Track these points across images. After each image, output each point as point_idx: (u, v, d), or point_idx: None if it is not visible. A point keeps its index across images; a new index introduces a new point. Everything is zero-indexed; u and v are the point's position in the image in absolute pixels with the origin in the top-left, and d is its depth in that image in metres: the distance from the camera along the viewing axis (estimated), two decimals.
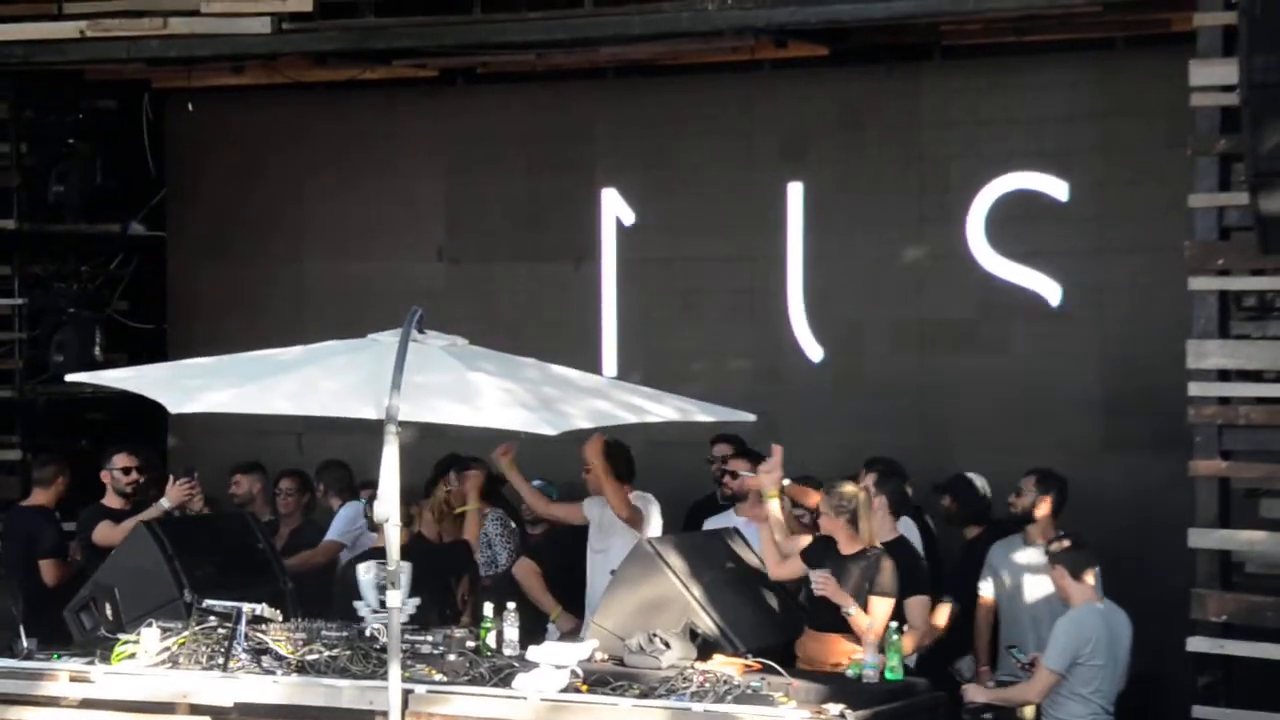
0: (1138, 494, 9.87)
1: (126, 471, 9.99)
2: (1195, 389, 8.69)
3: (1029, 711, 8.34)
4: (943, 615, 8.75)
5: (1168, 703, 9.00)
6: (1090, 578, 8.12)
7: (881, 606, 8.12)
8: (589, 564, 9.40)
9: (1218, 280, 8.70)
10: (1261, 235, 8.07)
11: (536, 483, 10.04)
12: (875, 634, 8.00)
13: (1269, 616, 8.50)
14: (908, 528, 8.92)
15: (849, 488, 8.34)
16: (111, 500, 10.00)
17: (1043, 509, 8.84)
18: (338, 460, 10.65)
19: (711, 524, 9.56)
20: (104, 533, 9.77)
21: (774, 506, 8.57)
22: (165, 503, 9.70)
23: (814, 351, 10.92)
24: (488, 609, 8.51)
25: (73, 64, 11.64)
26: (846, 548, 8.28)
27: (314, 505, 10.63)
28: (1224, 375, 8.70)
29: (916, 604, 8.30)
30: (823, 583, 8.12)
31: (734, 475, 9.46)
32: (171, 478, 9.85)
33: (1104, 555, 8.45)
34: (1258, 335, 8.77)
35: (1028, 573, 8.84)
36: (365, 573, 8.42)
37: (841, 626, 8.16)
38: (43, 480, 10.36)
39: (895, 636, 7.97)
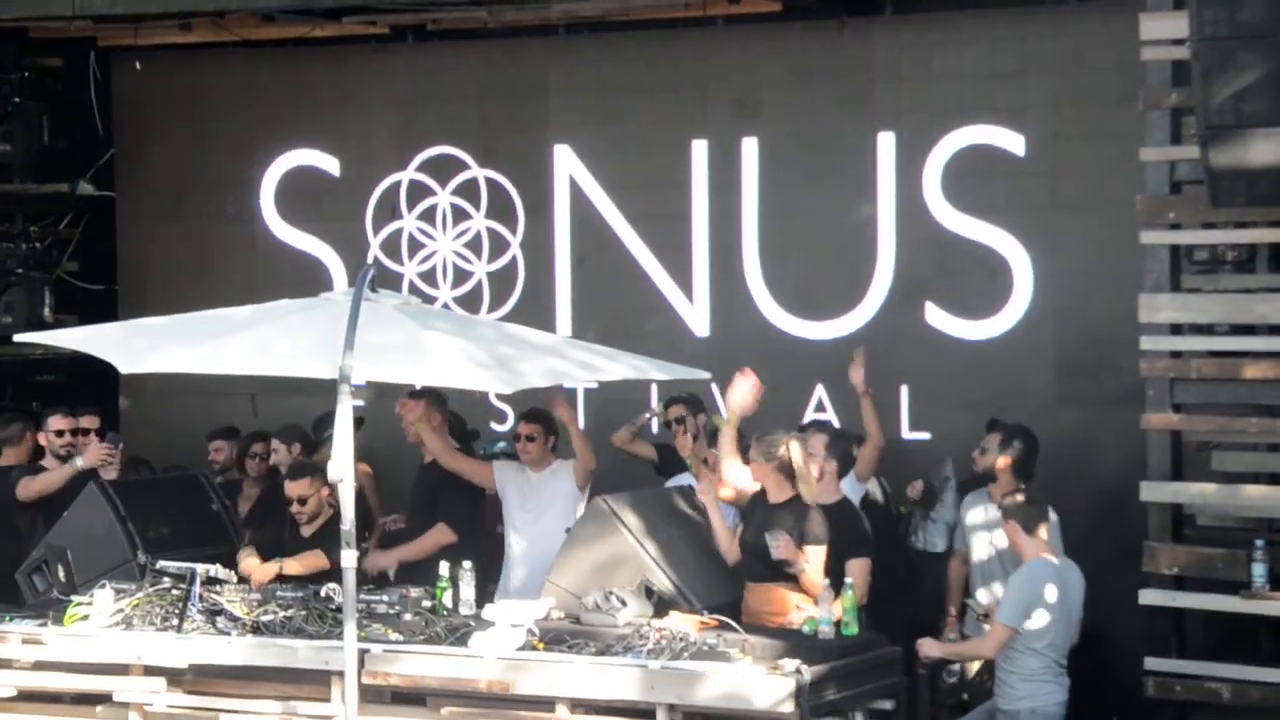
0: (1090, 448, 9.91)
1: (60, 434, 9.87)
2: (1147, 343, 8.73)
3: (973, 666, 8.38)
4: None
5: (1120, 655, 9.08)
6: (1043, 532, 8.16)
7: (816, 555, 8.13)
8: (512, 531, 9.30)
9: (1169, 234, 8.74)
10: (1212, 189, 8.09)
11: (501, 445, 10.00)
12: (823, 586, 8.02)
13: (1220, 568, 8.56)
14: (853, 488, 8.94)
15: (779, 435, 8.31)
16: (51, 464, 9.85)
17: (1003, 465, 8.85)
18: (299, 425, 10.48)
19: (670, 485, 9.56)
20: (23, 488, 9.67)
21: (728, 437, 8.54)
22: (79, 462, 9.55)
23: (769, 307, 10.93)
24: (443, 568, 8.50)
25: (17, 21, 11.50)
26: (775, 496, 8.27)
27: (275, 468, 10.53)
28: (1175, 329, 8.74)
29: (856, 566, 8.29)
30: (783, 546, 8.09)
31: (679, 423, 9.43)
32: (94, 439, 9.72)
33: (1059, 510, 8.51)
34: (1209, 289, 8.82)
35: (985, 528, 8.86)
36: None
37: (778, 576, 8.16)
38: (10, 439, 10.23)
39: (850, 592, 7.99)
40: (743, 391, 8.52)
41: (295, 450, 9.98)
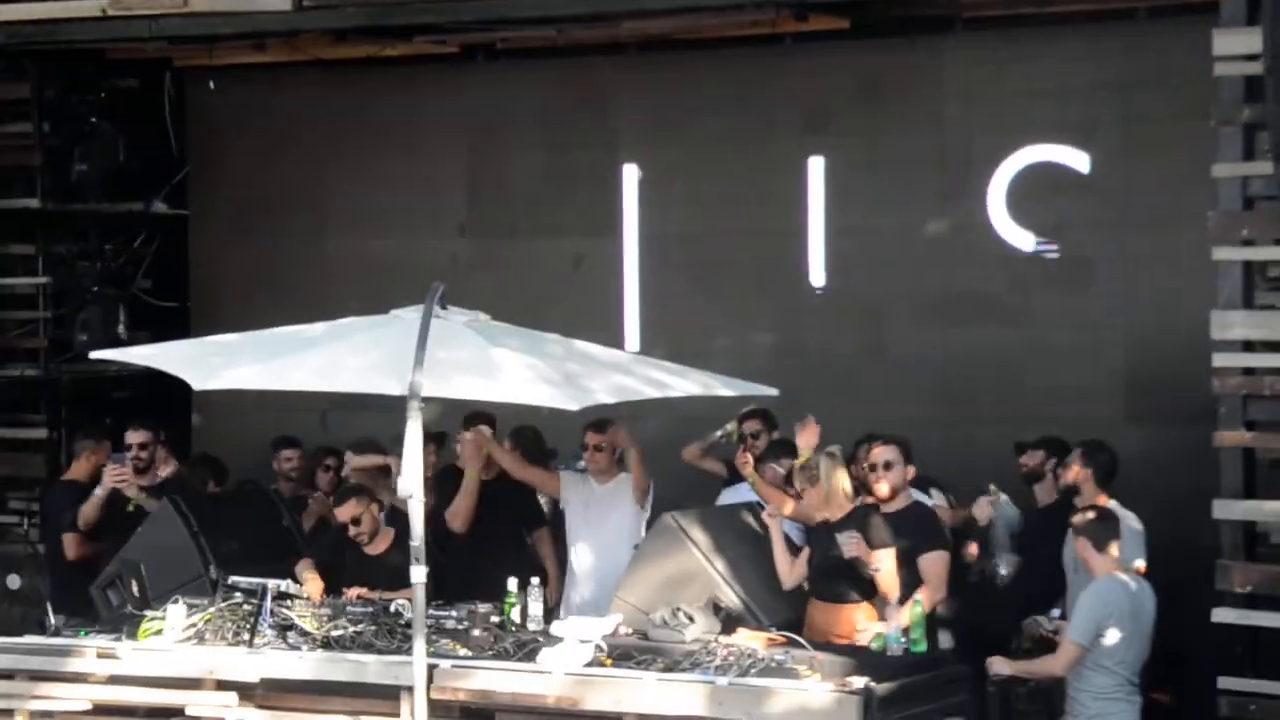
0: (1162, 465, 9.84)
1: (129, 448, 10.03)
2: (1219, 360, 8.66)
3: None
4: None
5: (1193, 674, 9.00)
6: (1114, 549, 8.10)
7: (887, 558, 8.19)
8: (576, 544, 9.34)
9: (1242, 251, 8.66)
10: None
11: (582, 462, 10.00)
12: (893, 587, 8.03)
13: None
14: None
15: (812, 458, 8.42)
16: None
17: (1086, 482, 8.80)
18: (372, 439, 10.52)
19: (726, 496, 9.56)
20: (81, 519, 9.89)
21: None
22: (98, 490, 9.76)
23: (836, 324, 10.91)
24: (511, 584, 8.52)
25: (94, 43, 11.66)
26: (835, 514, 8.31)
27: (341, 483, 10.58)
28: (1248, 346, 8.66)
29: (929, 560, 8.30)
30: (855, 544, 8.15)
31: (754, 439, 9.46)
32: (110, 462, 9.87)
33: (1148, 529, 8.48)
34: None
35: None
36: None
37: (845, 597, 8.21)
38: (76, 454, 10.39)
39: (918, 608, 7.97)
40: (808, 437, 8.76)
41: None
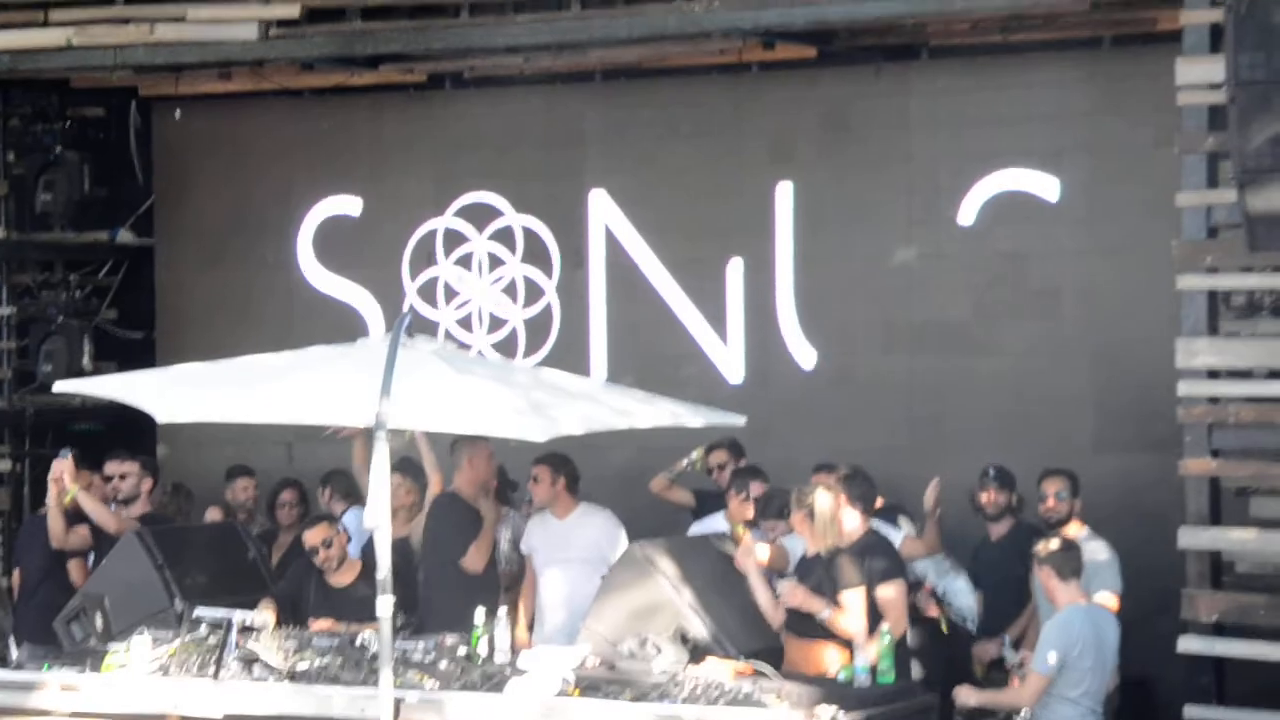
0: (1128, 493, 9.86)
1: (108, 479, 9.95)
2: (1184, 388, 8.69)
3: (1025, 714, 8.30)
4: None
5: (1160, 703, 9.00)
6: (1078, 579, 8.11)
7: (851, 599, 8.13)
8: (541, 578, 9.32)
9: (1206, 279, 8.70)
10: (1249, 233, 8.05)
11: None
12: (860, 630, 8.00)
13: (1260, 615, 8.49)
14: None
15: (808, 488, 8.38)
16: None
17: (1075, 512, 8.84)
18: (342, 470, 10.48)
19: (697, 529, 9.55)
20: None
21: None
22: (49, 501, 9.67)
23: (804, 353, 10.92)
24: (479, 615, 8.49)
25: (59, 72, 11.64)
26: (811, 548, 8.31)
27: (308, 515, 10.55)
28: (1213, 374, 8.70)
29: (884, 595, 8.27)
30: (790, 593, 8.14)
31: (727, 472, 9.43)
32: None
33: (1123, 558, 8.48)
34: (1247, 333, 8.77)
35: None
36: None
37: (820, 632, 8.17)
38: (47, 486, 10.31)
39: (886, 639, 7.96)
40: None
41: (327, 495, 10.01)
